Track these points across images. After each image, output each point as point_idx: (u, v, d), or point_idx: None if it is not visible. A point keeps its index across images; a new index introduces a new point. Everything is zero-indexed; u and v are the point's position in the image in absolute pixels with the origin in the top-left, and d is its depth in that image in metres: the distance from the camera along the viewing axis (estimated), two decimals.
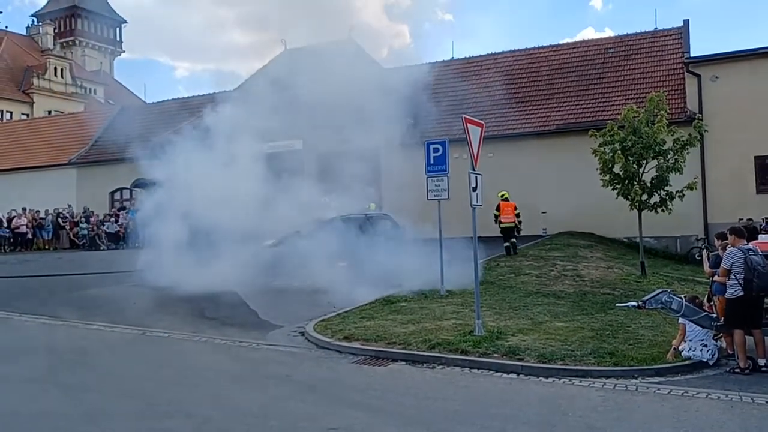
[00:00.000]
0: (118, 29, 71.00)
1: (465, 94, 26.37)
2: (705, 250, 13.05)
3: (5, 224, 27.57)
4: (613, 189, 17.21)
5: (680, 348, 9.34)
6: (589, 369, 8.80)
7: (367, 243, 15.12)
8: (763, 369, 8.84)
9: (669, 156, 16.76)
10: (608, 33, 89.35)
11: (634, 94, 24.13)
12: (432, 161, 14.32)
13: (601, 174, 17.35)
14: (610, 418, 7.07)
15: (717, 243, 10.08)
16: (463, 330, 10.59)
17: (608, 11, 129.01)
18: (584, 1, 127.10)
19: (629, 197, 16.89)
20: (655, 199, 16.99)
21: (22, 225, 27.70)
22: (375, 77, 20.36)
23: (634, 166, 16.79)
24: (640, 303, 9.62)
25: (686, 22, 26.51)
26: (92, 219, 29.11)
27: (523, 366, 8.93)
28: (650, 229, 18.91)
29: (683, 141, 16.86)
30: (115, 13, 70.65)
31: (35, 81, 55.45)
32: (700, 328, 9.32)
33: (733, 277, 8.93)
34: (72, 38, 66.00)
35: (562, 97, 26.59)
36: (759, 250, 9.11)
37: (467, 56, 30.46)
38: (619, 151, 16.73)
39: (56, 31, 64.17)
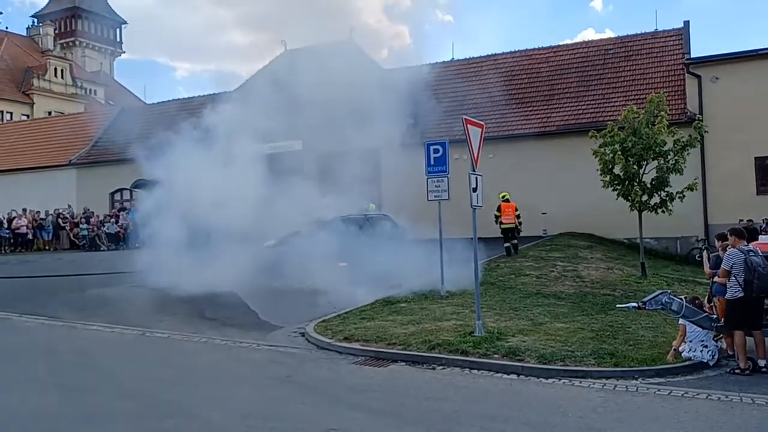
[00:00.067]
0: (118, 30, 71.05)
1: (465, 94, 26.38)
2: (705, 251, 13.09)
3: (5, 225, 27.57)
4: (614, 190, 17.21)
5: (680, 349, 9.33)
6: (589, 370, 8.81)
7: (367, 243, 15.11)
8: (763, 370, 8.84)
9: (669, 157, 16.76)
10: (608, 34, 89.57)
11: (635, 95, 24.14)
12: (432, 162, 14.32)
13: (601, 175, 17.35)
14: (610, 419, 7.07)
15: (717, 244, 10.09)
16: (463, 331, 10.59)
17: (608, 12, 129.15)
18: (584, 2, 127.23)
19: (629, 198, 16.88)
20: (656, 200, 16.99)
21: (23, 225, 27.69)
22: (375, 78, 20.39)
23: (635, 167, 16.79)
24: (640, 304, 9.63)
25: (686, 23, 26.52)
26: (92, 220, 29.11)
27: (523, 367, 8.93)
28: (650, 230, 18.91)
29: (683, 142, 16.85)
30: (115, 14, 70.69)
31: (35, 82, 55.48)
32: (701, 329, 9.32)
33: (734, 278, 8.93)
34: (72, 39, 66.03)
35: (562, 97, 26.60)
36: (759, 251, 9.12)
37: (467, 57, 30.47)
38: (620, 152, 16.72)
39: (56, 31, 64.19)
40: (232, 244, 15.02)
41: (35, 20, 66.12)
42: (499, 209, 19.22)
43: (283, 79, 19.87)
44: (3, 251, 26.93)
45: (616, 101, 24.69)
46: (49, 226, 28.96)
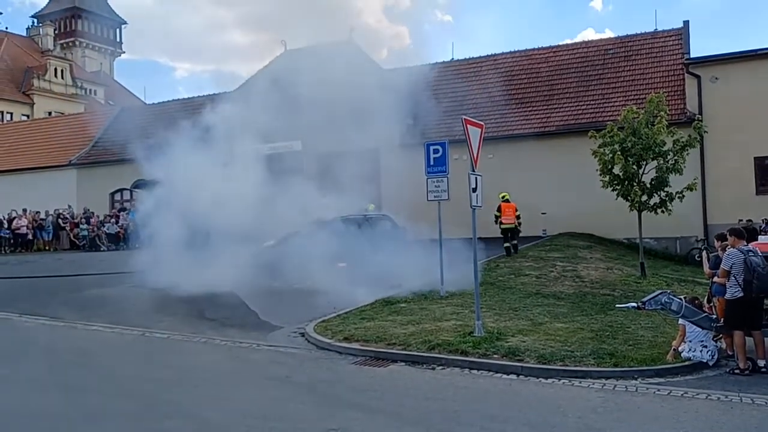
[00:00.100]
0: (118, 30, 71.08)
1: (465, 95, 26.39)
2: (705, 251, 13.08)
3: (6, 225, 27.56)
4: (613, 190, 17.22)
5: (680, 349, 9.34)
6: (588, 370, 8.81)
7: (367, 244, 15.11)
8: (763, 370, 8.84)
9: (669, 157, 16.77)
10: (608, 34, 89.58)
11: (634, 95, 24.15)
12: (432, 162, 14.33)
13: (600, 175, 17.36)
14: (609, 419, 7.08)
15: (717, 244, 10.09)
16: (462, 331, 10.60)
17: (608, 12, 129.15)
18: (584, 2, 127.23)
19: (629, 198, 16.89)
20: (655, 200, 17.00)
21: (23, 226, 27.67)
22: (375, 78, 20.40)
23: (634, 167, 16.80)
24: (639, 304, 9.64)
25: (686, 23, 26.54)
26: (92, 220, 29.10)
27: (522, 367, 8.94)
28: (650, 230, 18.92)
29: (683, 142, 16.86)
30: (115, 14, 70.71)
31: (35, 82, 55.50)
32: (700, 329, 9.33)
33: (733, 278, 8.93)
34: (72, 39, 66.04)
35: (561, 98, 26.62)
36: (759, 252, 9.12)
37: (467, 57, 30.49)
38: (619, 152, 16.73)
39: (56, 32, 64.20)
40: (232, 244, 15.02)
41: (35, 20, 66.14)
42: (499, 209, 19.22)
43: (283, 79, 19.88)
44: (3, 251, 26.93)
45: (616, 101, 24.71)
46: (49, 226, 28.95)
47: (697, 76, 23.55)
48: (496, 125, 24.55)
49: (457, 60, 30.63)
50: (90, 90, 61.09)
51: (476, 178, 11.28)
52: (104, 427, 6.88)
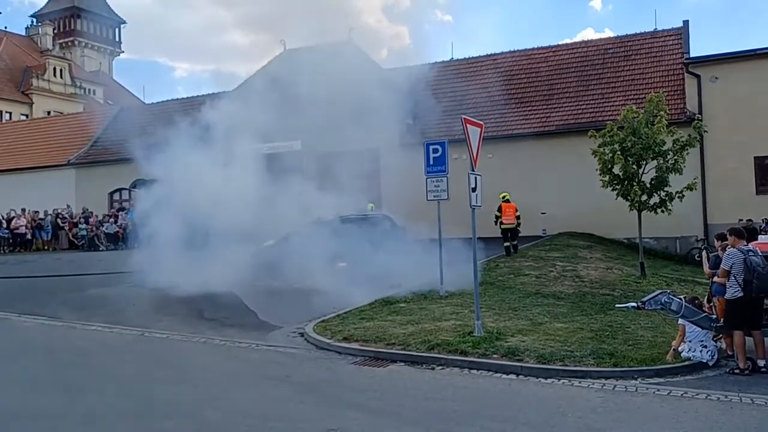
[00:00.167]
0: (117, 30, 71.03)
1: (464, 94, 26.38)
2: (704, 251, 13.06)
3: (4, 225, 27.54)
4: (613, 190, 17.21)
5: (680, 349, 9.33)
6: (588, 370, 8.81)
7: (367, 243, 15.10)
8: (763, 370, 8.83)
9: (668, 157, 16.77)
10: (608, 33, 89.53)
11: (634, 95, 24.16)
12: (431, 162, 14.32)
13: (600, 175, 17.36)
14: (609, 419, 7.07)
15: (717, 244, 10.09)
16: (462, 331, 10.59)
17: (608, 12, 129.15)
18: (584, 2, 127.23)
19: (629, 198, 16.89)
20: (655, 199, 16.99)
21: (21, 225, 27.66)
22: (374, 78, 20.38)
23: (634, 166, 16.80)
24: (639, 304, 9.63)
25: (686, 23, 26.55)
26: (91, 220, 29.08)
27: (522, 367, 8.93)
28: (650, 230, 18.92)
29: (683, 141, 16.86)
30: (114, 14, 70.66)
31: (34, 81, 55.46)
32: (700, 329, 9.32)
33: (733, 278, 8.92)
34: (71, 39, 65.98)
35: (561, 97, 26.62)
36: (759, 251, 9.11)
37: (467, 57, 30.50)
38: (619, 152, 16.73)
39: (55, 31, 64.16)
40: (231, 244, 15.01)
41: (34, 20, 66.10)
42: (499, 209, 19.22)
43: (283, 79, 19.86)
44: (2, 251, 26.91)
45: (616, 101, 24.71)
46: (48, 226, 28.94)
47: (697, 76, 23.55)
48: (496, 125, 24.54)
49: (457, 60, 30.63)
50: (89, 89, 61.06)
51: (476, 177, 11.27)
52: (103, 426, 6.87)
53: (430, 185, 14.39)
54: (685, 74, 24.03)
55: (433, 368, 9.24)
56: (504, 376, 8.81)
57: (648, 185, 16.87)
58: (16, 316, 13.16)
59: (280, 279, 14.87)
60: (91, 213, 29.83)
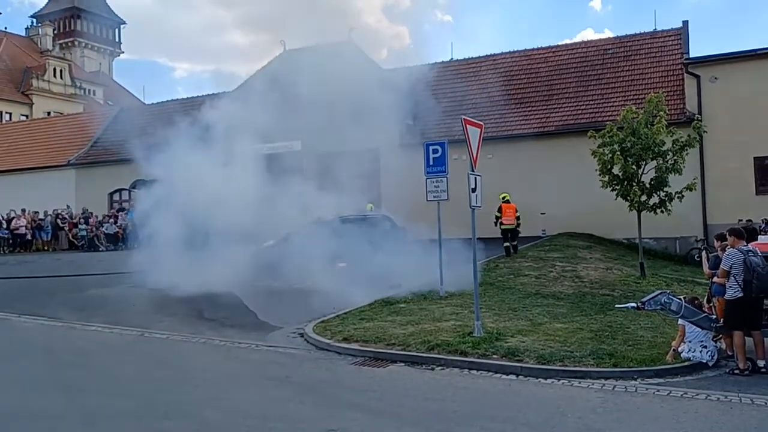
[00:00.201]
0: (117, 30, 71.06)
1: (464, 95, 26.40)
2: (704, 251, 13.05)
3: (4, 225, 27.53)
4: (613, 190, 17.21)
5: (679, 349, 9.33)
6: (588, 370, 8.81)
7: (367, 244, 15.10)
8: (763, 370, 8.83)
9: (668, 157, 16.77)
10: (607, 34, 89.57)
11: (633, 95, 24.17)
12: (431, 162, 14.32)
13: (600, 175, 17.36)
14: (609, 420, 7.07)
15: (716, 244, 10.09)
16: (462, 331, 10.59)
17: (607, 12, 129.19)
18: (583, 2, 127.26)
19: (628, 198, 16.89)
20: (655, 200, 16.99)
21: (21, 226, 27.65)
22: (374, 78, 20.38)
23: (633, 167, 16.80)
24: (639, 304, 9.63)
25: (685, 23, 26.56)
26: (91, 220, 29.08)
27: (522, 367, 8.93)
28: (649, 230, 18.91)
29: (682, 142, 16.86)
30: (114, 14, 70.68)
31: (34, 82, 55.49)
32: (700, 330, 9.32)
33: (733, 278, 8.92)
34: (71, 39, 66.00)
35: (561, 98, 26.63)
36: (758, 252, 9.11)
37: (466, 57, 30.51)
38: (618, 152, 16.72)
39: (55, 32, 64.17)
40: (231, 244, 15.01)
41: (34, 20, 66.13)
42: (500, 210, 19.23)
43: (283, 79, 19.86)
44: (2, 252, 26.90)
45: (615, 101, 24.71)
46: (47, 226, 28.93)
47: (697, 76, 23.55)
48: (496, 125, 24.55)
49: (457, 60, 30.65)
50: (89, 90, 61.09)
51: (475, 178, 11.27)
52: (103, 427, 6.88)
53: (429, 186, 14.39)
54: (685, 74, 24.03)
55: (432, 369, 9.24)
56: (504, 376, 8.81)
57: (647, 185, 16.87)
58: (16, 317, 13.15)
59: (280, 279, 14.87)
60: (91, 213, 29.82)
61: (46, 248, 28.49)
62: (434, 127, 23.82)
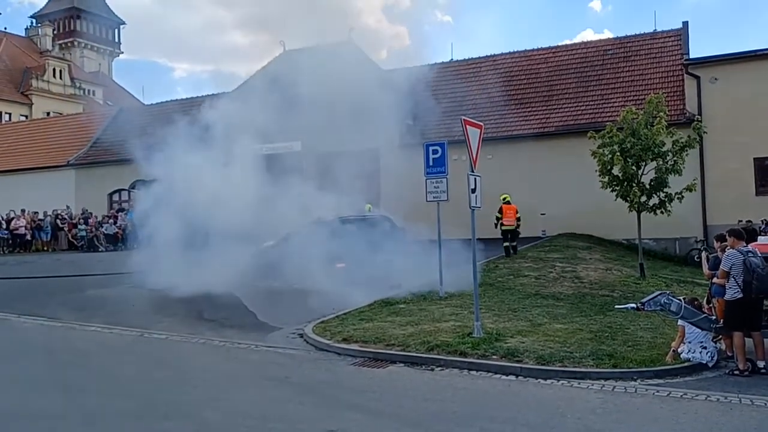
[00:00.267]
0: (116, 30, 71.08)
1: (464, 95, 26.40)
2: (704, 252, 13.06)
3: (4, 225, 27.54)
4: (612, 191, 17.21)
5: (679, 350, 9.33)
6: (587, 371, 8.80)
7: (366, 244, 15.10)
8: (763, 371, 8.83)
9: (668, 158, 16.76)
10: (607, 34, 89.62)
11: (633, 96, 24.16)
12: (431, 163, 14.32)
13: (600, 176, 17.35)
14: (608, 420, 7.07)
15: (716, 245, 10.09)
16: (461, 332, 10.59)
17: (607, 13, 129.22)
18: (583, 3, 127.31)
19: (628, 199, 16.88)
20: (654, 200, 16.99)
21: (21, 226, 27.65)
22: (374, 78, 20.39)
23: (633, 167, 16.79)
24: (639, 305, 9.63)
25: (685, 24, 26.56)
26: (91, 220, 29.07)
27: (521, 368, 8.93)
28: (649, 231, 18.91)
29: (682, 143, 16.86)
30: (113, 15, 70.71)
31: (34, 82, 55.49)
32: (700, 330, 9.32)
33: (733, 279, 8.92)
34: (71, 39, 66.01)
35: (561, 98, 26.62)
36: (758, 252, 9.11)
37: (466, 58, 30.51)
38: (618, 153, 16.72)
39: (55, 32, 64.17)
40: (231, 245, 15.00)
41: (34, 21, 66.16)
42: (500, 211, 19.24)
43: (282, 80, 19.86)
44: (1, 252, 26.91)
45: (615, 102, 24.70)
46: (47, 226, 28.94)
47: (697, 77, 23.55)
48: (496, 126, 24.54)
49: (457, 60, 30.66)
50: (88, 90, 61.09)
51: (475, 178, 11.26)
52: (103, 427, 6.88)
53: (429, 186, 14.39)
54: (685, 75, 24.03)
55: (432, 369, 9.24)
56: (503, 377, 8.81)
57: (647, 186, 16.87)
58: (16, 317, 13.15)
59: (280, 280, 14.86)
60: (91, 214, 29.81)
61: (45, 248, 28.50)
62: (434, 127, 23.81)
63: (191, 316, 12.90)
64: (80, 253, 27.04)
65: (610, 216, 19.83)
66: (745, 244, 9.22)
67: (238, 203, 15.43)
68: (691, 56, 24.85)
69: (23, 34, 63.93)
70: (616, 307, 11.39)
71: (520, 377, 8.76)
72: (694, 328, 9.32)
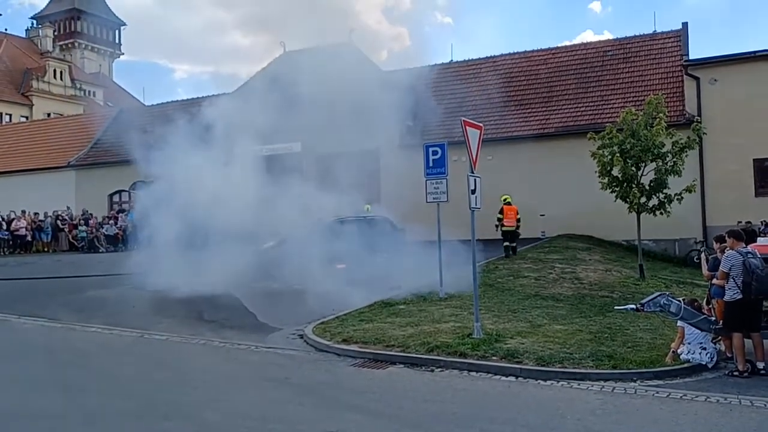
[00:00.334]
0: (117, 31, 71.14)
1: (464, 96, 26.41)
2: (703, 253, 13.06)
3: (4, 226, 27.54)
4: (612, 192, 17.21)
5: (679, 351, 9.34)
6: (587, 372, 8.81)
7: (366, 245, 15.11)
8: (762, 372, 8.84)
9: (667, 159, 16.76)
10: (607, 36, 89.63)
11: (633, 97, 24.15)
12: (431, 164, 14.34)
13: (599, 177, 17.35)
14: (608, 422, 7.07)
15: (716, 246, 10.09)
16: (461, 333, 10.60)
17: (607, 14, 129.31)
18: (583, 4, 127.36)
19: (628, 200, 16.88)
20: (654, 201, 16.99)
21: (21, 227, 27.66)
22: (374, 79, 20.41)
23: (633, 168, 16.80)
24: (638, 306, 9.62)
25: (685, 25, 26.56)
26: (91, 221, 29.08)
27: (521, 369, 8.93)
28: (649, 232, 18.90)
29: (682, 144, 16.86)
30: (114, 16, 70.76)
31: (34, 83, 55.52)
32: (699, 331, 9.33)
33: (732, 280, 8.93)
34: (71, 41, 66.08)
35: (560, 99, 26.62)
36: (758, 253, 9.11)
37: (466, 59, 30.51)
38: (618, 154, 16.72)
39: (55, 33, 64.23)
40: (231, 246, 15.01)
41: (34, 22, 66.22)
42: (501, 212, 19.25)
43: (282, 80, 19.88)
44: (2, 253, 26.90)
45: (615, 103, 24.69)
46: (47, 227, 28.94)
47: (696, 78, 23.55)
48: (495, 127, 24.54)
49: (457, 61, 30.66)
50: (89, 91, 61.12)
51: (475, 179, 11.27)
52: (103, 427, 6.89)
53: (429, 187, 14.40)
54: (684, 76, 24.03)
55: (432, 370, 9.24)
56: (503, 378, 8.82)
57: (647, 187, 16.87)
58: (16, 318, 13.17)
59: (280, 280, 14.87)
60: (91, 215, 29.82)
61: (46, 249, 28.50)
62: (434, 128, 23.82)
63: (191, 317, 12.91)
64: (80, 254, 27.04)
65: (609, 217, 19.82)
66: (744, 245, 9.23)
67: (238, 204, 15.44)
68: (691, 57, 24.84)
69: (24, 35, 64.00)
70: (616, 308, 11.40)
71: (519, 378, 8.76)
72: (693, 329, 9.33)
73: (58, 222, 29.35)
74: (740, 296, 8.86)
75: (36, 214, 29.11)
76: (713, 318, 9.64)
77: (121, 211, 30.57)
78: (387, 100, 19.10)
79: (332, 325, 11.65)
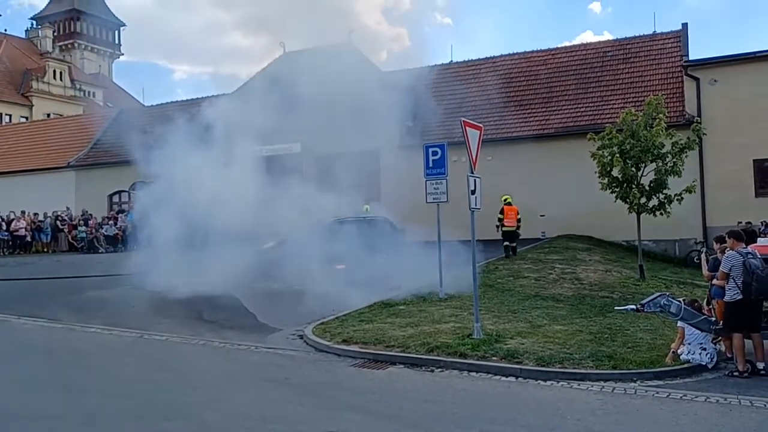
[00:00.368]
0: (117, 32, 71.16)
1: (464, 97, 26.41)
2: (704, 253, 13.06)
3: (4, 227, 27.54)
4: (612, 192, 17.21)
5: (679, 351, 9.34)
6: (587, 372, 8.81)
7: (366, 246, 15.11)
8: (762, 372, 8.84)
9: (667, 159, 16.76)
10: (607, 36, 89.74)
11: (633, 98, 24.16)
12: (431, 164, 14.34)
13: (599, 177, 17.35)
14: (608, 422, 7.07)
15: (716, 246, 10.10)
16: (461, 333, 10.59)
17: (607, 14, 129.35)
18: (583, 5, 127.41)
19: (628, 200, 16.89)
20: (654, 202, 16.99)
21: (21, 228, 27.66)
22: (374, 80, 20.41)
23: (633, 169, 16.80)
24: (638, 306, 9.63)
25: (685, 26, 26.58)
26: (91, 222, 29.08)
27: (521, 369, 8.93)
28: (649, 233, 18.90)
29: (682, 144, 16.86)
30: (114, 16, 70.78)
31: (34, 84, 55.51)
32: (699, 332, 9.33)
33: (732, 280, 8.93)
34: (71, 41, 66.09)
35: (560, 100, 26.63)
36: (758, 254, 9.12)
37: (466, 59, 30.51)
38: (618, 155, 16.72)
39: (55, 34, 64.23)
40: (231, 246, 15.01)
41: (34, 22, 66.23)
42: (502, 212, 19.25)
43: (282, 81, 19.88)
44: (1, 253, 26.91)
45: (615, 103, 24.70)
46: (47, 228, 28.94)
47: (696, 79, 23.56)
48: (495, 127, 24.55)
49: (456, 62, 30.67)
50: (89, 92, 61.11)
51: (475, 180, 11.27)
52: (103, 427, 6.88)
53: (429, 188, 14.40)
54: (684, 77, 24.04)
55: (432, 370, 9.24)
56: (503, 378, 8.82)
57: (647, 188, 16.87)
58: (16, 318, 13.16)
59: (280, 281, 14.87)
60: (91, 215, 29.82)
61: (45, 250, 28.50)
62: (434, 128, 23.82)
63: (191, 318, 12.91)
64: (80, 254, 27.03)
65: (609, 217, 19.82)
66: (744, 246, 9.23)
67: (238, 204, 15.44)
68: (691, 58, 24.85)
69: (23, 36, 63.97)
70: (616, 308, 11.40)
71: (519, 378, 8.76)
72: (693, 329, 9.33)
73: (58, 222, 29.35)
74: (740, 297, 8.86)
75: (36, 214, 29.11)
76: (713, 318, 9.64)
77: (121, 211, 30.56)
78: (387, 100, 19.10)
79: (332, 326, 11.64)
